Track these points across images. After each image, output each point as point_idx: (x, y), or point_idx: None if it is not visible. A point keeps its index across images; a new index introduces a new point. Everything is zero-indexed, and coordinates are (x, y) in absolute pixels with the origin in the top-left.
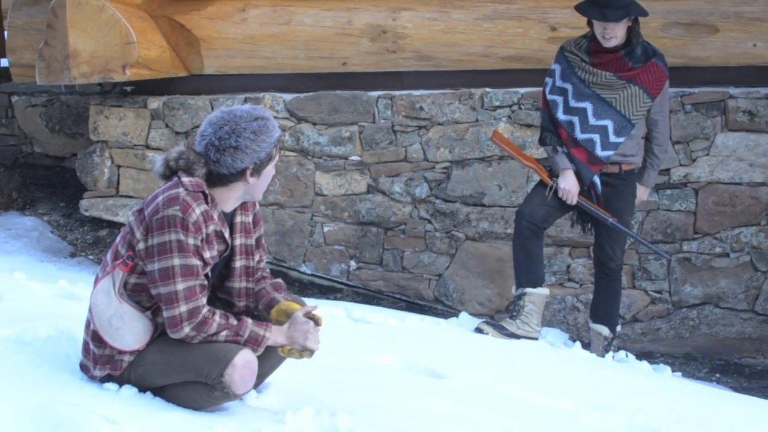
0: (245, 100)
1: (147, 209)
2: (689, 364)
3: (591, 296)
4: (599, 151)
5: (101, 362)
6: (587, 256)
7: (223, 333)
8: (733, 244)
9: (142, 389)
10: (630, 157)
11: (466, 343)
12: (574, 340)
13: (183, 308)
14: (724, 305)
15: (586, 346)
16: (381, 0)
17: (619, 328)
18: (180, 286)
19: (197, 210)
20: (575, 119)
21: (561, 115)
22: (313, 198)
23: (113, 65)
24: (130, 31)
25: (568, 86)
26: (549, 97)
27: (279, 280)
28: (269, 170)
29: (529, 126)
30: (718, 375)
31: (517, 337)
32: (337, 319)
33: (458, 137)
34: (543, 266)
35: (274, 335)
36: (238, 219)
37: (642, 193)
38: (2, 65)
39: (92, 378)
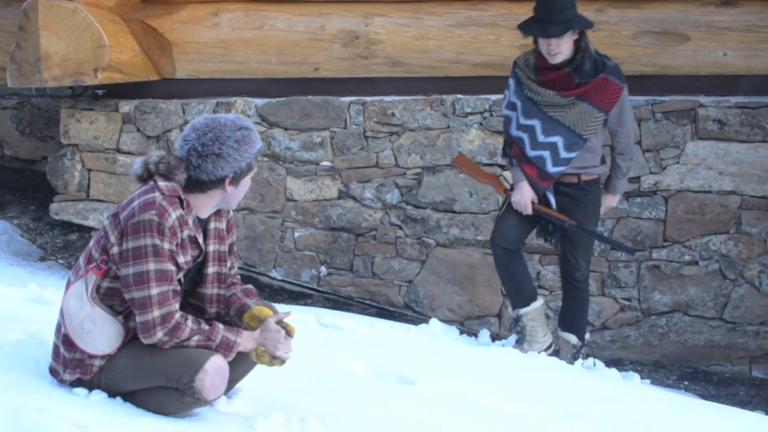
0: (217, 105)
1: (122, 213)
2: (658, 371)
3: (561, 303)
4: (550, 168)
5: (71, 366)
6: (557, 263)
7: (195, 338)
8: (702, 252)
9: (112, 394)
10: (590, 168)
11: (436, 349)
12: None
13: (156, 313)
14: (693, 313)
15: (556, 353)
16: (354, 6)
17: (587, 335)
18: (154, 291)
19: (173, 215)
20: (525, 136)
21: (513, 131)
22: (284, 203)
23: (85, 68)
24: (102, 34)
25: (518, 103)
26: (504, 111)
27: (249, 285)
28: (247, 180)
29: (500, 133)
30: (686, 382)
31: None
32: (308, 324)
33: (429, 143)
34: (531, 281)
35: (245, 341)
36: (212, 225)
37: (610, 200)
38: None
39: (62, 382)
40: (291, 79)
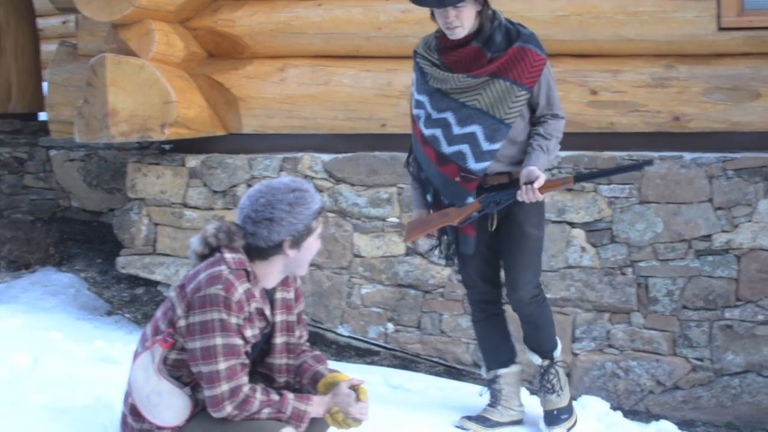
0: (283, 160)
1: (189, 286)
2: None
3: (632, 362)
4: (472, 164)
5: None
6: (627, 322)
7: (266, 410)
8: None
9: None
10: (520, 163)
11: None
12: (615, 408)
13: (225, 387)
14: (766, 374)
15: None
16: None
17: (557, 353)
18: (222, 365)
19: (240, 289)
20: (438, 132)
21: (425, 131)
22: (351, 259)
23: (152, 124)
24: (169, 90)
25: (424, 98)
26: (414, 112)
27: (318, 352)
28: (311, 243)
29: (569, 190)
30: None
31: (502, 425)
32: (375, 386)
33: None
34: (508, 342)
35: (316, 407)
36: (278, 295)
37: (529, 173)
38: (41, 119)
39: None
40: (358, 134)
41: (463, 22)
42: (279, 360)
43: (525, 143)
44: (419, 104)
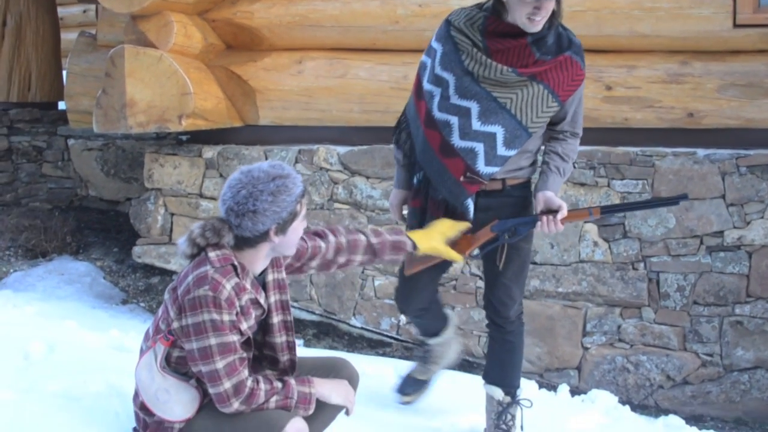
0: (299, 152)
1: (179, 288)
2: (740, 428)
3: (642, 357)
4: (481, 166)
5: (151, 429)
6: (638, 317)
7: (273, 399)
8: None
9: None
10: (518, 170)
11: None
12: (624, 403)
13: (227, 385)
14: None
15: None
16: None
17: (520, 392)
18: (220, 364)
19: (228, 286)
20: (455, 121)
21: (436, 113)
22: None
23: (169, 115)
24: (187, 81)
25: (449, 77)
26: (426, 86)
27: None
28: (296, 226)
29: (582, 185)
30: None
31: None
32: (386, 377)
33: None
34: (443, 315)
35: (318, 388)
36: (270, 277)
37: (547, 200)
38: (60, 108)
39: None
40: (373, 127)
41: (547, 14)
42: (279, 338)
43: (529, 152)
44: (438, 81)
